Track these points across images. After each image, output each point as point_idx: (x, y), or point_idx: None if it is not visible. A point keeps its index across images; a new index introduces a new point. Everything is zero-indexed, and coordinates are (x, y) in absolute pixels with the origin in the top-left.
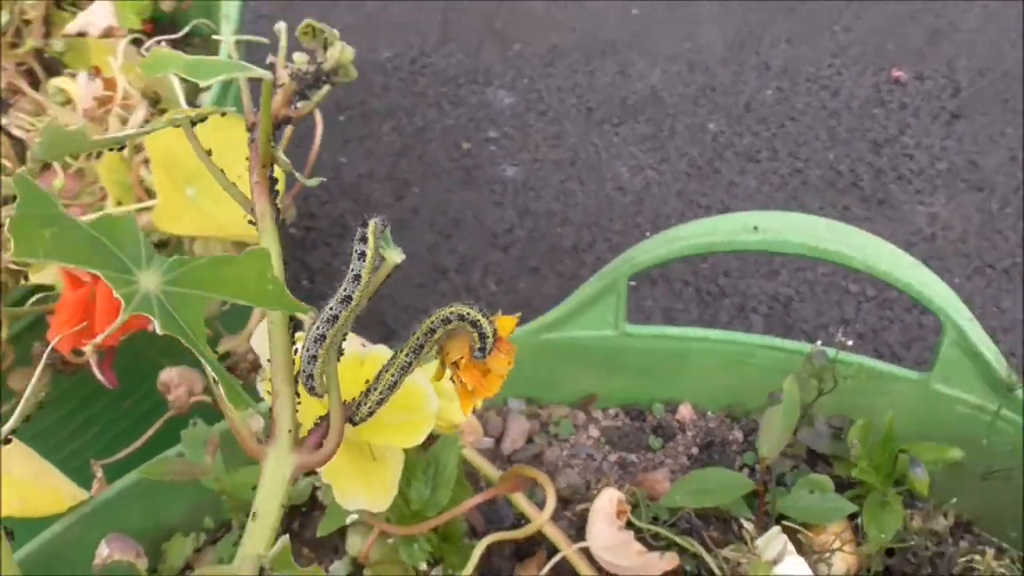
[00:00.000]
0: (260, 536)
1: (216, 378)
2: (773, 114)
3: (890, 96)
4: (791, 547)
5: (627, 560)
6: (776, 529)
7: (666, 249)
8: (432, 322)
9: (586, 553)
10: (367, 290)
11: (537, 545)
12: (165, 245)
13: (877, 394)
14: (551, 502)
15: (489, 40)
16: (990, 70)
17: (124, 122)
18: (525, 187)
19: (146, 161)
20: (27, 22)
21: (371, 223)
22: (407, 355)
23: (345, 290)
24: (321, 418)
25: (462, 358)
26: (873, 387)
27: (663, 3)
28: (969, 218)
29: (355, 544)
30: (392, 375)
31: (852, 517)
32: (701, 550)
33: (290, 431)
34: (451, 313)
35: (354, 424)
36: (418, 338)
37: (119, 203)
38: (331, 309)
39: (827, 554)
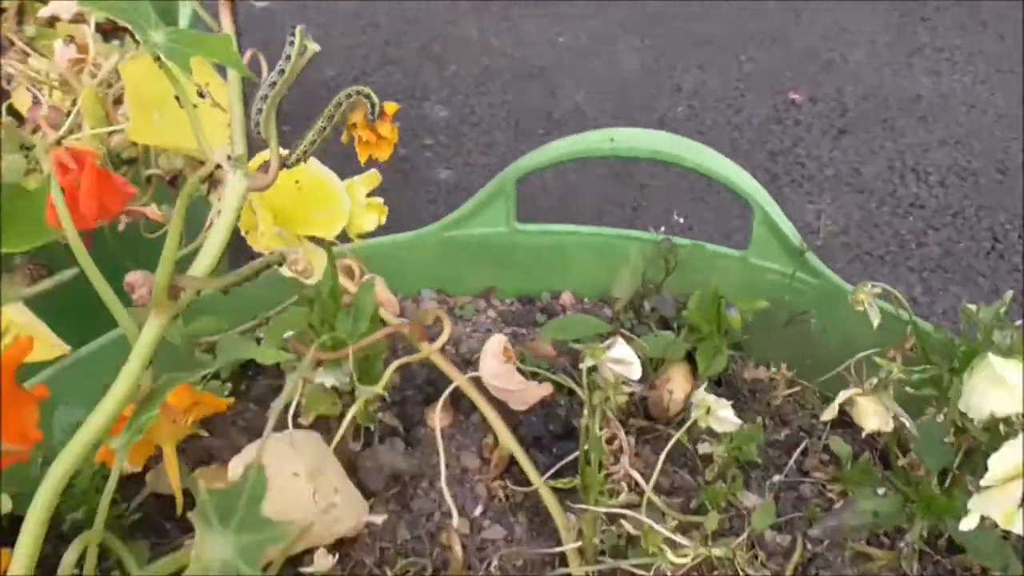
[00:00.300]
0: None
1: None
2: (683, 128)
3: (787, 115)
4: (622, 340)
5: (511, 385)
6: (617, 336)
7: (543, 157)
8: (339, 98)
9: (477, 385)
10: (295, 67)
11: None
12: (135, 160)
13: (710, 271)
14: (446, 333)
15: (427, 62)
16: (873, 95)
17: (94, 77)
18: (457, 188)
19: (115, 101)
20: (2, 11)
21: (298, 28)
22: (322, 122)
23: (280, 66)
24: (264, 162)
25: (360, 123)
26: (706, 265)
27: (588, 33)
28: (850, 215)
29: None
30: (313, 135)
31: (692, 366)
32: (571, 383)
33: (242, 162)
34: (351, 91)
35: (288, 167)
36: (330, 109)
37: (92, 127)
38: (271, 78)
39: (668, 382)
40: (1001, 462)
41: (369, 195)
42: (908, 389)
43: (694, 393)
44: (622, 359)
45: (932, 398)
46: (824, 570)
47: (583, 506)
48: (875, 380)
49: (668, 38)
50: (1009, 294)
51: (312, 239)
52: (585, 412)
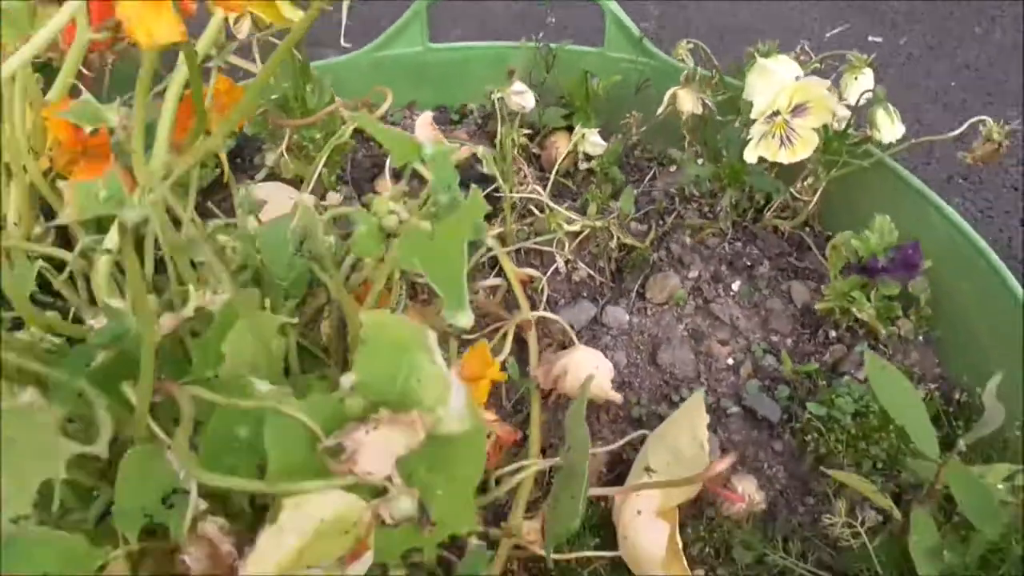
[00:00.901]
0: None
1: None
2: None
3: None
4: (519, 81)
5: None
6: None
7: None
8: None
9: None
10: None
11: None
12: None
13: (581, 69)
14: (388, 100)
15: (319, 19)
16: (729, 28)
17: None
18: None
19: None
20: None
21: None
22: None
23: None
24: None
25: None
26: (578, 64)
27: None
28: None
29: (270, 158)
30: None
31: (571, 132)
32: (480, 149)
33: None
34: None
35: None
36: None
37: None
38: None
39: (554, 144)
40: (761, 100)
41: None
42: (718, 117)
43: (572, 135)
44: (520, 92)
45: (732, 120)
46: (673, 243)
47: (500, 194)
48: (686, 70)
49: None
50: (776, 41)
51: None
52: (498, 125)
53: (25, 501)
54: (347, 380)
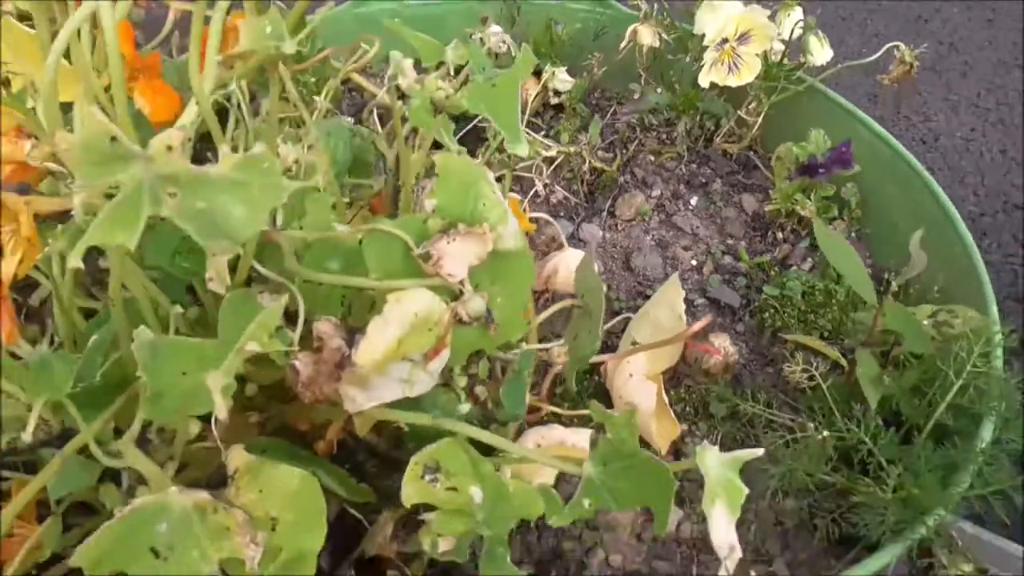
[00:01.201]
0: None
1: None
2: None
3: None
4: (495, 24)
5: None
6: (490, 21)
7: None
8: None
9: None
10: None
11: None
12: None
13: (547, 19)
14: (374, 50)
15: None
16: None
17: None
18: None
19: None
20: None
21: None
22: None
23: None
24: None
25: None
26: (542, 15)
27: None
28: None
29: (266, 104)
30: None
31: (539, 78)
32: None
33: None
34: None
35: None
36: None
37: None
38: None
39: (525, 88)
40: (712, 28)
41: None
42: (669, 56)
43: (543, 74)
44: (497, 32)
45: (683, 58)
46: (637, 167)
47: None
48: (643, 10)
49: None
50: None
51: None
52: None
53: (259, 224)
54: (429, 204)
